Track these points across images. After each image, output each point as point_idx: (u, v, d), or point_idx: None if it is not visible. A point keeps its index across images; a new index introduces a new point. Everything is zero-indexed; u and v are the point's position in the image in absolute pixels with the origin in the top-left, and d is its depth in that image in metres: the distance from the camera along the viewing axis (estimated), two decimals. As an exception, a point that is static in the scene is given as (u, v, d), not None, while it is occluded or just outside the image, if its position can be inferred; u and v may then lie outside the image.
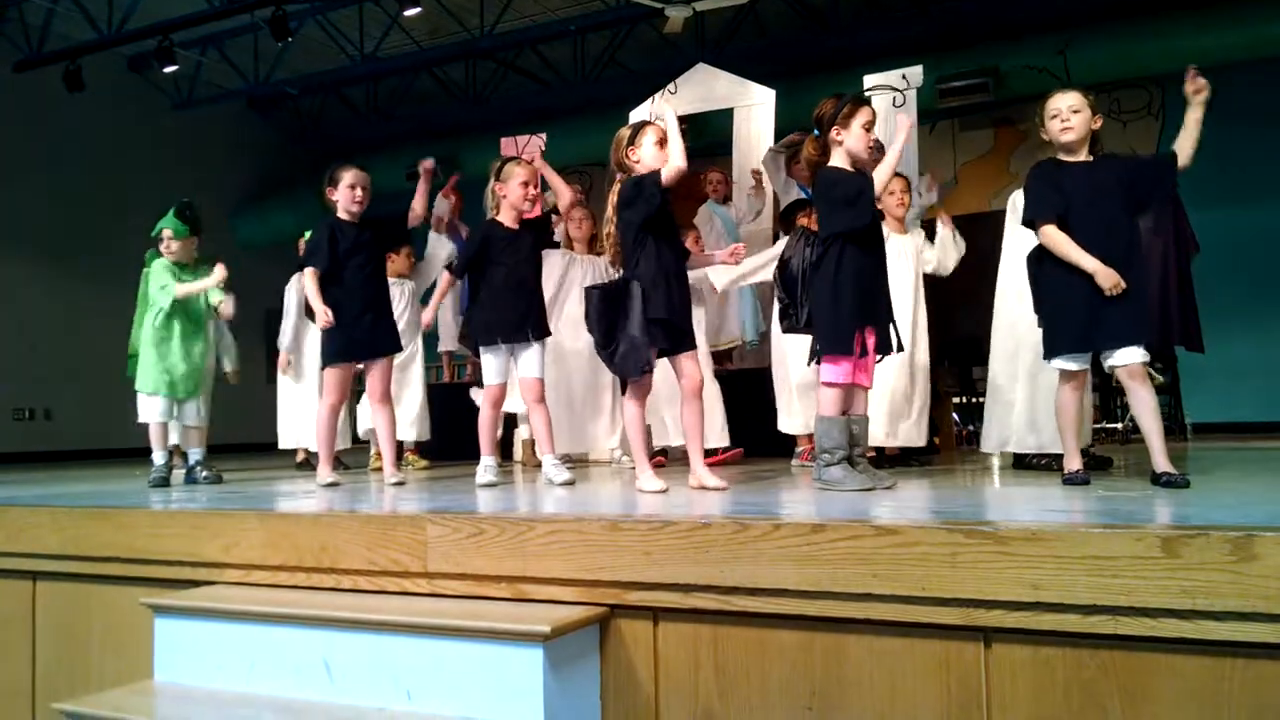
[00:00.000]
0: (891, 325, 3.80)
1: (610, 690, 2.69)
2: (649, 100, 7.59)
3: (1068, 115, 3.60)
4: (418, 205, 4.89)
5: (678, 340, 3.87)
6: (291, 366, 6.62)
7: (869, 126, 3.73)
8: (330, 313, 4.55)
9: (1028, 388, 4.47)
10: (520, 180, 4.50)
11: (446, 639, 2.62)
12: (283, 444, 6.72)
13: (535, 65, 12.13)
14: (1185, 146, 3.53)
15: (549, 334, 4.58)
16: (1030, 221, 3.67)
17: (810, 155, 3.80)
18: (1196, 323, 4.48)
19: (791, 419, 5.24)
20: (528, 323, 4.47)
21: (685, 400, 3.89)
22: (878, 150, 5.39)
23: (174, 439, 5.46)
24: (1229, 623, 2.04)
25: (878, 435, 4.82)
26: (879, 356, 3.82)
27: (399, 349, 4.97)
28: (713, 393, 5.27)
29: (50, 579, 3.64)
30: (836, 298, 3.68)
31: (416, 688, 2.64)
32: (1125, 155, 3.71)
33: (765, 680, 2.51)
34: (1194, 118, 3.53)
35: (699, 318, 5.01)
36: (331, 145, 13.70)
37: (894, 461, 5.12)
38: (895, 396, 4.94)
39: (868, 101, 3.85)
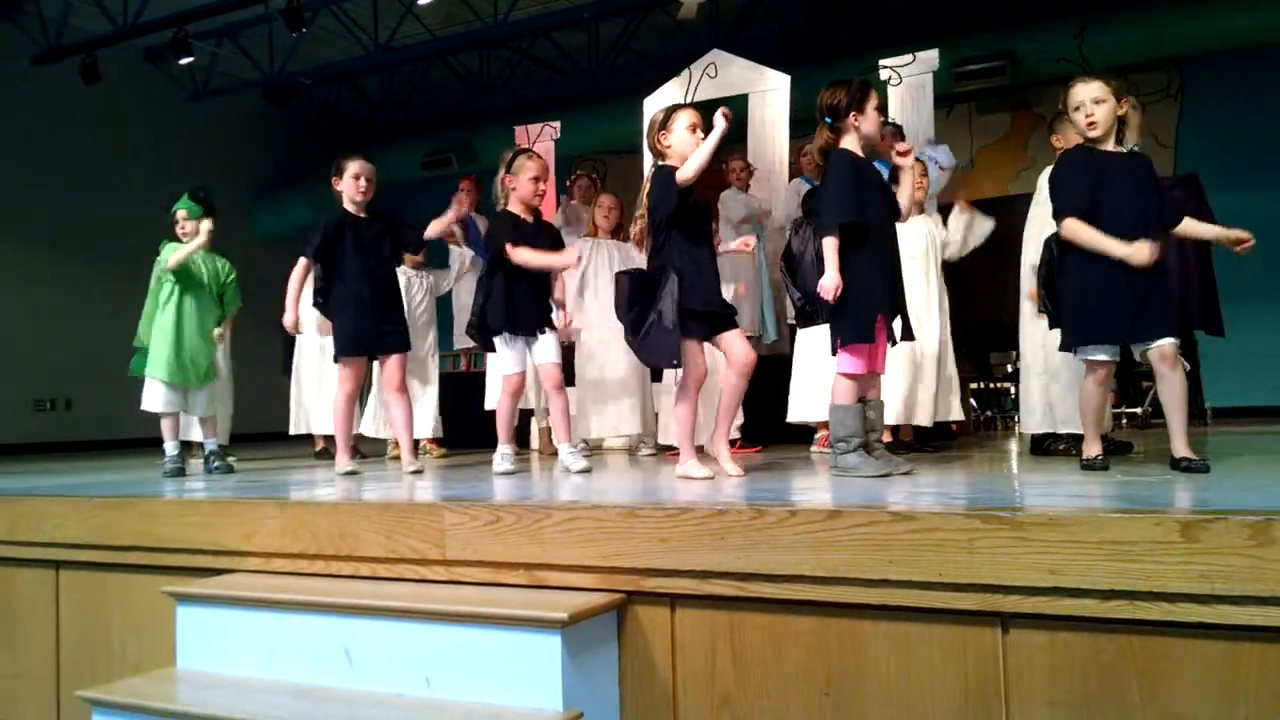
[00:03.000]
0: (902, 313, 3.80)
1: (628, 676, 2.71)
2: (664, 86, 7.60)
3: (1091, 108, 3.54)
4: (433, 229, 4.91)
5: (716, 324, 3.87)
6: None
7: (880, 108, 3.76)
8: (292, 316, 4.70)
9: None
10: (530, 175, 4.50)
11: (465, 626, 2.63)
12: (292, 430, 6.74)
13: (549, 53, 12.10)
14: (1197, 231, 3.66)
15: (555, 327, 4.60)
16: (1057, 212, 3.61)
17: (829, 142, 3.77)
18: (1216, 307, 4.46)
19: (803, 408, 5.28)
20: (540, 316, 4.52)
21: (730, 378, 3.88)
22: (894, 132, 5.40)
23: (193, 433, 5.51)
24: (1247, 607, 2.03)
25: (892, 417, 4.86)
26: (892, 343, 3.81)
27: (407, 348, 4.92)
28: None
29: (73, 568, 3.67)
30: (860, 286, 3.64)
31: (435, 674, 2.66)
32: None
33: (782, 666, 2.52)
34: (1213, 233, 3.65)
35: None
36: (346, 135, 13.72)
37: (910, 447, 5.13)
38: (911, 379, 4.94)
39: (874, 84, 3.85)
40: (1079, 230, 3.49)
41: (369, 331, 4.75)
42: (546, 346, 4.52)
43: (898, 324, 3.83)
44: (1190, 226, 3.61)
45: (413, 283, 6.26)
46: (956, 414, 5.14)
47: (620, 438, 6.19)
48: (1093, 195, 3.50)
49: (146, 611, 3.42)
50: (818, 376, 5.15)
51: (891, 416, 4.87)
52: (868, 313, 3.64)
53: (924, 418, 5.03)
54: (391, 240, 4.88)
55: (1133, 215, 3.46)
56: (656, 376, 5.63)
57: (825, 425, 5.38)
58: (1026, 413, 4.66)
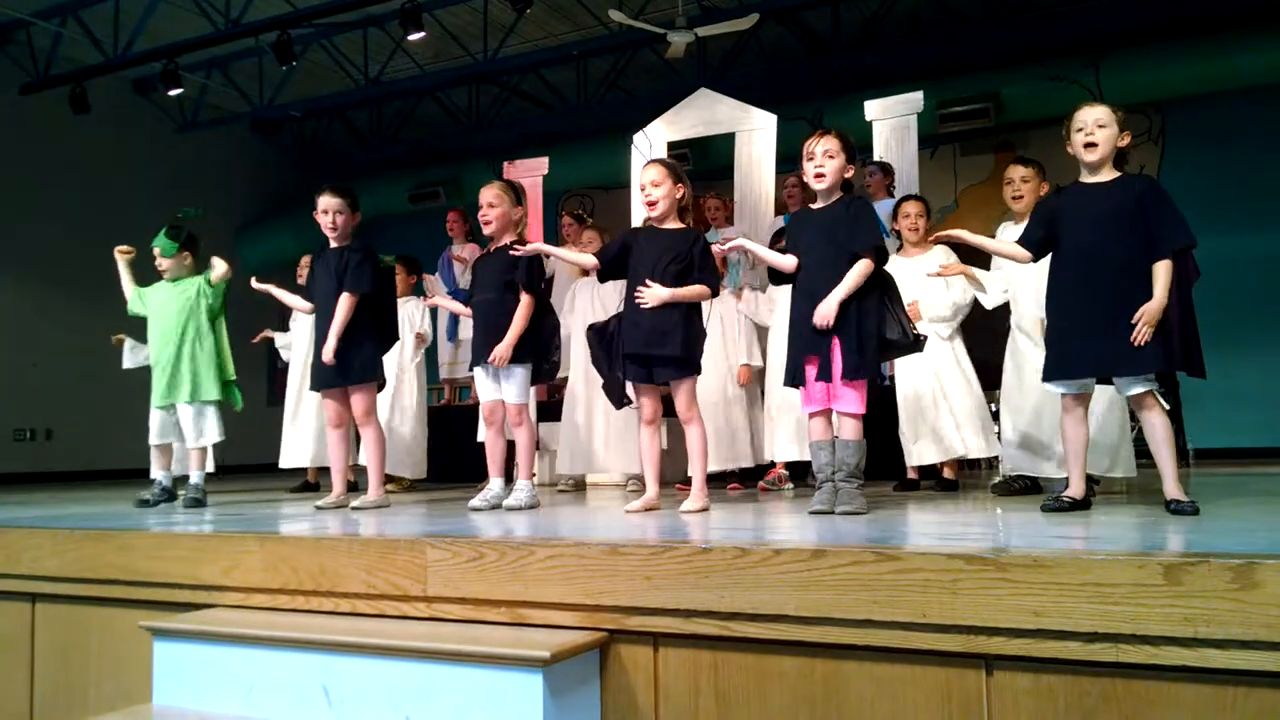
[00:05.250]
0: (855, 348, 3.73)
1: (610, 716, 2.68)
2: (653, 123, 7.66)
3: (1093, 129, 3.55)
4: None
5: (646, 374, 4.02)
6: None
7: (809, 156, 3.88)
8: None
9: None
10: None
11: (446, 663, 2.61)
12: (283, 463, 6.68)
13: (538, 89, 12.19)
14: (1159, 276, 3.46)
15: (520, 360, 4.39)
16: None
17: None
18: (1198, 348, 4.48)
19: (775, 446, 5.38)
20: (485, 347, 4.41)
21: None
22: (878, 170, 5.47)
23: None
24: (1231, 651, 2.03)
25: (924, 456, 5.08)
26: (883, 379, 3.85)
27: (350, 381, 4.68)
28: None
29: (49, 601, 3.63)
30: (788, 332, 3.94)
31: (415, 712, 2.63)
32: (1156, 190, 3.58)
33: (765, 707, 2.50)
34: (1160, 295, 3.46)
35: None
36: (335, 168, 13.77)
37: (906, 486, 5.15)
38: (924, 416, 5.00)
39: (811, 133, 3.92)
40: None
41: (316, 367, 4.74)
42: (508, 385, 4.43)
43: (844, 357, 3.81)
44: (1159, 275, 3.46)
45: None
46: (979, 451, 5.09)
47: (608, 475, 6.18)
48: (1050, 232, 3.65)
49: (124, 646, 3.38)
50: (780, 415, 5.25)
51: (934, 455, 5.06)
52: (791, 357, 3.89)
53: (927, 457, 5.07)
54: (343, 272, 4.67)
55: (1098, 247, 3.50)
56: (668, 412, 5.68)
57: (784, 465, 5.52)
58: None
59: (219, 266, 5.09)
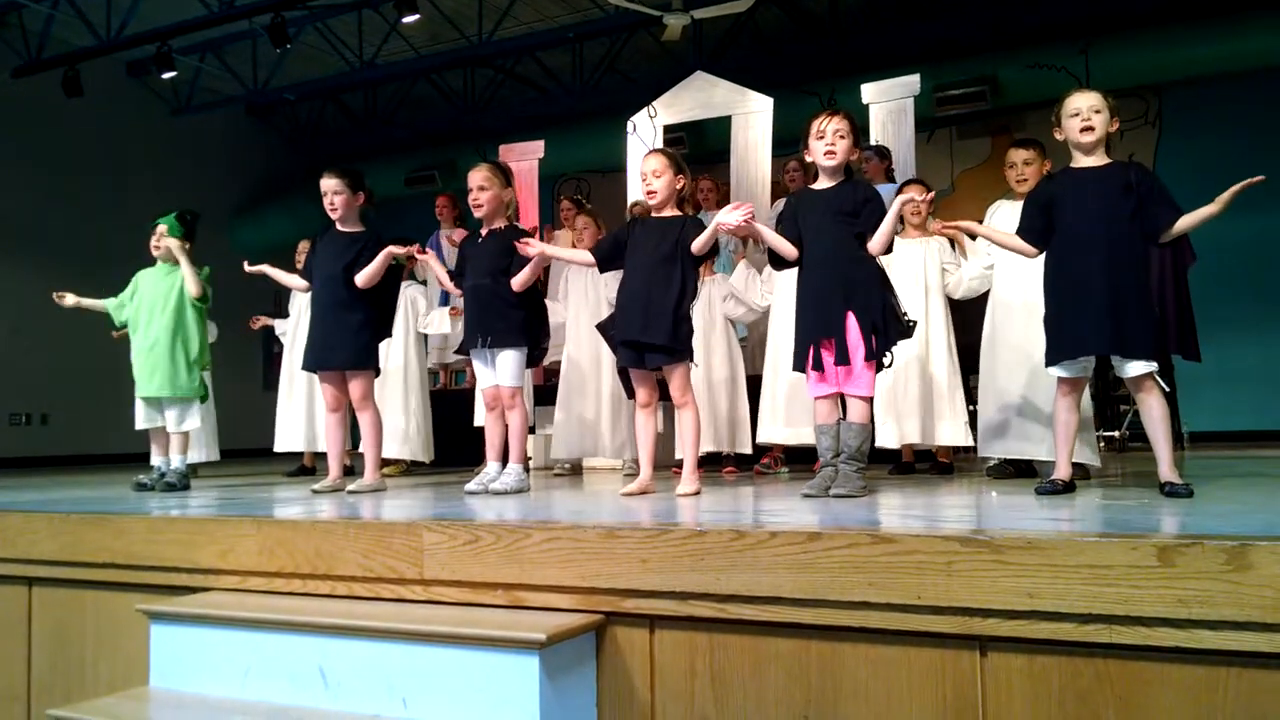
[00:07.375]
0: (871, 329, 3.71)
1: (606, 698, 2.69)
2: (644, 109, 7.64)
3: (1088, 115, 3.60)
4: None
5: (650, 354, 4.03)
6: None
7: (819, 134, 3.84)
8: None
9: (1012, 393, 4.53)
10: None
11: (442, 646, 2.62)
12: (278, 447, 6.68)
13: (534, 72, 12.15)
14: (1188, 221, 3.55)
15: (516, 345, 4.42)
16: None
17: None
18: (1193, 332, 4.50)
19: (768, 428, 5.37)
20: (479, 330, 4.42)
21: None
22: (873, 154, 5.45)
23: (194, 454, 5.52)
24: (1224, 632, 2.04)
25: (907, 435, 5.01)
26: (887, 362, 3.81)
27: (347, 366, 4.64)
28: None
29: (46, 584, 3.63)
30: (796, 315, 3.89)
31: (412, 695, 2.64)
32: (1149, 175, 3.66)
33: (761, 688, 2.51)
34: (1209, 211, 3.56)
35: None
36: (329, 151, 13.71)
37: (901, 469, 5.16)
38: (910, 399, 4.97)
39: (821, 112, 3.89)
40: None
41: (307, 349, 4.73)
42: (500, 366, 4.44)
43: (852, 345, 3.75)
44: (1187, 220, 3.56)
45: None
46: (957, 439, 5.08)
47: (604, 458, 6.19)
48: (1048, 220, 3.65)
49: (120, 630, 3.39)
50: (777, 398, 5.25)
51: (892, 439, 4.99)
52: (799, 341, 3.83)
53: (899, 438, 5.06)
54: (353, 260, 4.63)
55: (1095, 229, 3.52)
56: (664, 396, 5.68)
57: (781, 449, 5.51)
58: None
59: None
